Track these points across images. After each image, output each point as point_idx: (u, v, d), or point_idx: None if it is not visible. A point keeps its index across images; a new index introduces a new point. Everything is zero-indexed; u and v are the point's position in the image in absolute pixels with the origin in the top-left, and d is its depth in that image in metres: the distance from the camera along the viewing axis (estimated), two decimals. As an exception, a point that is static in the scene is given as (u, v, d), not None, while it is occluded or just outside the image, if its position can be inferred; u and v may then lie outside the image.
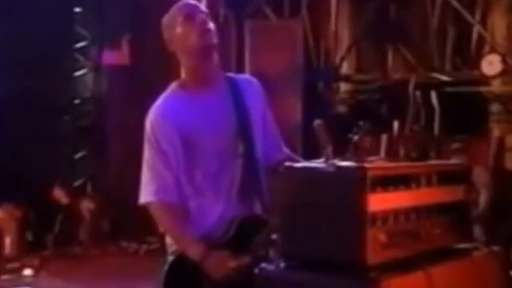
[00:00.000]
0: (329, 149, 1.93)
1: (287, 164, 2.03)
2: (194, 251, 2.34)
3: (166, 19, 2.46)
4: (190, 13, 2.39)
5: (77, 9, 8.35)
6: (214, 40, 2.40)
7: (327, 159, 1.93)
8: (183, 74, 2.47)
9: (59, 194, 7.59)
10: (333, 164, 1.89)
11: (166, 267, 2.39)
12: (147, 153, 2.41)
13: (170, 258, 2.41)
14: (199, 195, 2.40)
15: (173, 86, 2.48)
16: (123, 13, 7.98)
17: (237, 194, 2.41)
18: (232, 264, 2.33)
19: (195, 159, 2.38)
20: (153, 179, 2.38)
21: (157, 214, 2.41)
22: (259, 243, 2.34)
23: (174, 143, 2.37)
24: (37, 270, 6.36)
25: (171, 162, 2.37)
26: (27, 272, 6.28)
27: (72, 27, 8.30)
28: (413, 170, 2.04)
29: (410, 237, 1.97)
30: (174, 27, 2.41)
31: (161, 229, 2.47)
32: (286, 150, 2.57)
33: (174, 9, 2.46)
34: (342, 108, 7.56)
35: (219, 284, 2.34)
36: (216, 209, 2.40)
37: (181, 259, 2.37)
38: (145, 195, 2.41)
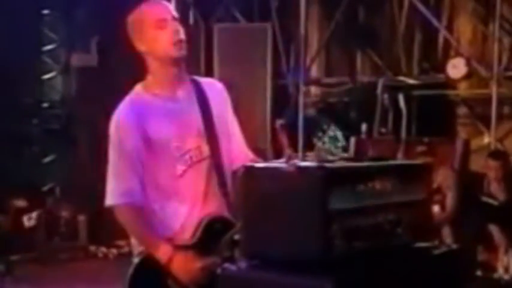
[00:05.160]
0: (290, 149, 1.95)
1: (248, 164, 2.04)
2: (161, 253, 2.34)
3: (135, 17, 2.41)
4: (163, 18, 2.36)
5: (45, 12, 8.26)
6: (184, 51, 2.39)
7: (288, 159, 1.94)
8: (148, 76, 2.46)
9: (36, 202, 7.54)
10: (294, 164, 1.90)
11: (132, 268, 2.39)
12: (112, 156, 2.40)
13: (136, 259, 2.41)
14: (164, 197, 2.40)
15: (138, 88, 2.46)
16: (92, 15, 7.91)
17: (203, 196, 2.42)
18: (199, 265, 2.33)
19: (160, 161, 2.38)
20: (118, 182, 2.38)
21: (123, 217, 2.40)
22: (225, 244, 2.36)
23: (139, 146, 2.36)
24: (3, 275, 6.26)
25: (136, 165, 2.37)
26: (-7, 277, 6.20)
27: (41, 30, 8.21)
28: (374, 169, 2.07)
29: (371, 236, 2.00)
30: (143, 29, 2.38)
31: (127, 232, 2.45)
32: (251, 154, 2.58)
33: (145, 8, 2.41)
34: (311, 111, 7.61)
35: (185, 286, 2.35)
36: (181, 211, 2.40)
37: (147, 260, 2.37)
38: (111, 198, 2.40)
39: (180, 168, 2.39)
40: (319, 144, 2.00)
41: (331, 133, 2.02)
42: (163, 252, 2.33)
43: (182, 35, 2.38)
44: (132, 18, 2.43)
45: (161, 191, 2.40)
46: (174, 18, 2.38)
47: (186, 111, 2.43)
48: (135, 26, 2.41)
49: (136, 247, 2.44)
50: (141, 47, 2.39)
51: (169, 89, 2.42)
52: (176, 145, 2.39)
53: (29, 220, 7.22)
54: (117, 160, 2.38)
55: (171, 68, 2.40)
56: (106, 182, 2.42)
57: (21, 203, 7.47)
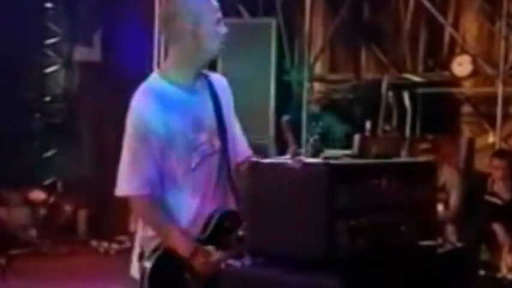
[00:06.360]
0: (295, 146, 1.93)
1: (254, 160, 2.02)
2: (184, 248, 2.31)
3: (198, 6, 2.36)
4: (219, 18, 2.40)
5: (48, 5, 8.23)
6: None
7: (294, 156, 1.92)
8: (168, 63, 2.43)
9: (38, 196, 7.52)
10: (300, 161, 1.88)
11: (150, 263, 2.33)
12: (133, 145, 2.33)
13: (153, 254, 2.34)
14: (178, 189, 2.38)
15: (155, 76, 2.43)
16: (95, 9, 7.88)
17: (213, 190, 2.42)
18: (221, 260, 2.32)
19: (178, 153, 2.36)
20: (138, 171, 2.32)
21: (142, 209, 2.36)
22: (235, 240, 2.36)
23: (161, 137, 2.33)
24: (4, 269, 6.25)
25: (156, 156, 2.33)
26: (-6, 271, 6.18)
27: (44, 23, 8.18)
28: (379, 167, 2.04)
29: (376, 233, 1.97)
30: (204, 20, 2.35)
31: (145, 224, 2.39)
32: (250, 151, 2.56)
33: (209, 2, 2.39)
34: (315, 108, 7.57)
35: (200, 279, 2.33)
36: (193, 204, 2.39)
37: (165, 254, 2.33)
38: (130, 188, 2.33)
39: (194, 160, 2.38)
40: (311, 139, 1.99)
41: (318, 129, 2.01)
42: (186, 247, 2.31)
43: None
44: (194, 4, 2.37)
45: (176, 182, 2.38)
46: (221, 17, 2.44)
47: (201, 103, 2.43)
48: (193, 13, 2.35)
49: (149, 242, 2.37)
50: (188, 35, 2.35)
51: (189, 80, 2.42)
52: (192, 137, 2.38)
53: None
54: (139, 149, 2.32)
55: (204, 62, 2.43)
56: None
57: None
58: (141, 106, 2.34)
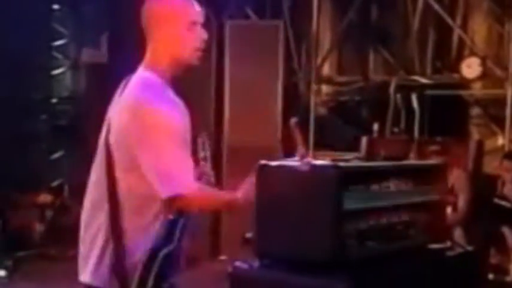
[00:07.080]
0: (303, 148, 1.90)
1: (262, 162, 2.00)
2: (237, 199, 2.13)
3: (167, 9, 2.30)
4: (195, 21, 2.32)
5: (55, 7, 8.24)
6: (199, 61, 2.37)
7: (302, 158, 1.89)
8: (162, 64, 2.32)
9: (45, 199, 7.54)
10: (308, 163, 1.86)
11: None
12: (176, 145, 2.23)
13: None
14: None
15: (149, 73, 2.32)
16: (102, 11, 7.89)
17: None
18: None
19: None
20: (190, 167, 2.23)
21: (201, 201, 2.21)
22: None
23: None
24: (11, 271, 6.24)
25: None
26: (0, 273, 6.17)
27: (50, 25, 8.19)
28: (388, 170, 2.01)
29: (384, 236, 1.95)
30: (172, 24, 2.29)
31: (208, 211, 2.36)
32: None
33: (180, 4, 2.33)
34: (322, 110, 7.55)
35: None
36: None
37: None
38: (188, 185, 2.19)
39: None
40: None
41: None
42: (237, 198, 2.15)
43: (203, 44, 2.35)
44: (163, 8, 2.32)
45: None
46: (202, 24, 2.35)
47: None
48: (167, 18, 2.31)
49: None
50: (160, 40, 2.31)
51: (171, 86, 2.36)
52: None
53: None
54: (181, 144, 2.25)
55: (180, 70, 2.35)
56: (168, 168, 2.21)
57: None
58: (158, 101, 2.24)
